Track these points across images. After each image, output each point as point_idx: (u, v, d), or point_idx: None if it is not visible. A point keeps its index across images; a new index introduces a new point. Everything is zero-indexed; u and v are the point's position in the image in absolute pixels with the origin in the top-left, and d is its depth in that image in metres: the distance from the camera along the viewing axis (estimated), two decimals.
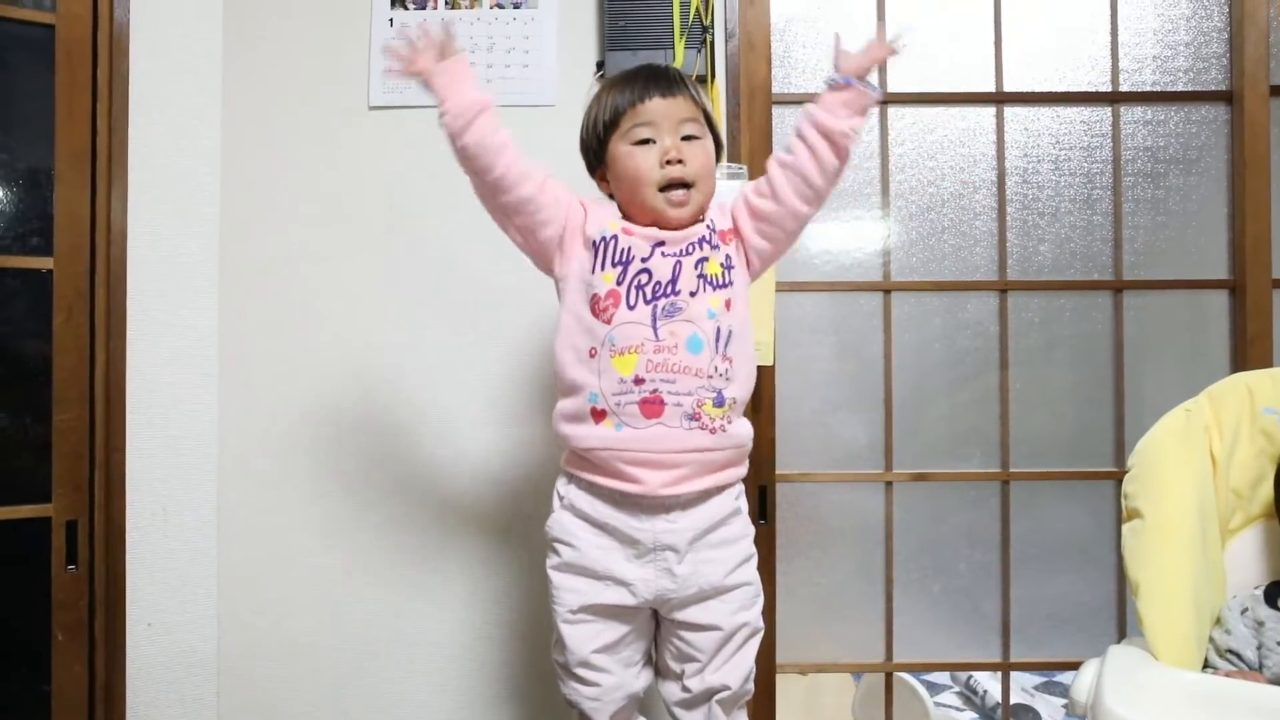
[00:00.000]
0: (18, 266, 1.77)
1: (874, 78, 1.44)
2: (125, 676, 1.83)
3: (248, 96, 1.98)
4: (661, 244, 1.41)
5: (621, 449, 1.37)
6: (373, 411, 1.98)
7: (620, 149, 1.43)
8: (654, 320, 1.37)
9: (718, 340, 1.38)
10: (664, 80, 1.43)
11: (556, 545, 1.45)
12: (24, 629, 1.78)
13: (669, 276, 1.39)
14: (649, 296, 1.38)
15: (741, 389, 1.42)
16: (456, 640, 1.98)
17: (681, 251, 1.41)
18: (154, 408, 1.86)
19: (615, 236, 1.41)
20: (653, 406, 1.36)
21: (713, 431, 1.38)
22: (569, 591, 1.43)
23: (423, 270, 1.99)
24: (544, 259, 1.47)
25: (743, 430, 1.44)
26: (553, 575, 1.45)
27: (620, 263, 1.40)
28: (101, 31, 1.81)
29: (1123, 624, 2.05)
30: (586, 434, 1.39)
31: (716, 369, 1.38)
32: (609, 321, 1.38)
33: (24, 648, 1.78)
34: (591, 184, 1.54)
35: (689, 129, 1.42)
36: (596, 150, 1.48)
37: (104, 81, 1.82)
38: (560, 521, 1.46)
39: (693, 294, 1.39)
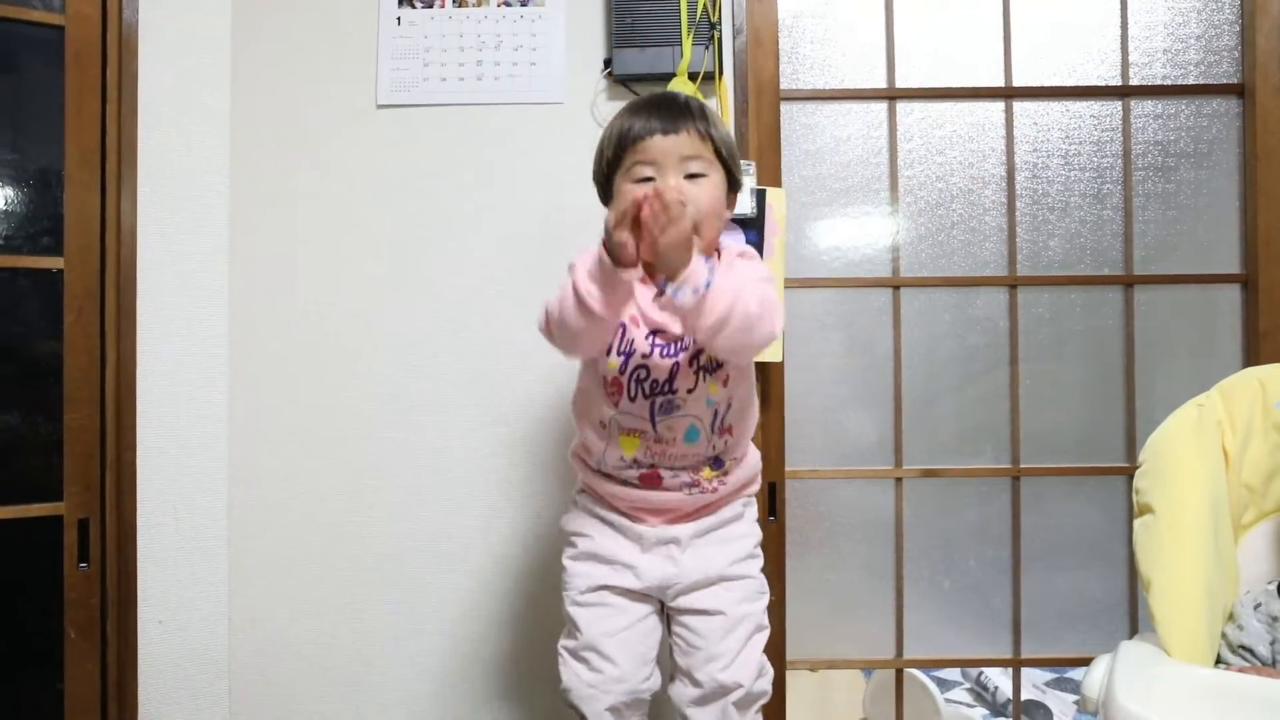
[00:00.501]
0: (29, 266, 1.78)
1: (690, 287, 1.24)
2: (137, 674, 1.83)
3: (256, 96, 1.99)
4: (659, 331, 1.39)
5: (623, 499, 1.47)
6: (383, 409, 1.99)
7: (624, 186, 1.40)
8: (652, 415, 1.40)
9: (714, 420, 1.42)
10: (669, 114, 1.39)
11: (573, 538, 1.52)
12: (36, 627, 1.78)
13: (665, 375, 1.39)
14: (647, 391, 1.40)
15: (742, 446, 1.49)
16: (466, 639, 1.98)
17: (679, 345, 1.39)
18: (164, 407, 1.86)
19: (624, 325, 1.40)
20: (652, 479, 1.44)
21: (713, 491, 1.45)
22: (580, 576, 1.49)
23: (432, 269, 1.99)
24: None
25: (746, 472, 1.51)
26: (568, 564, 1.51)
27: (624, 353, 1.41)
28: (110, 32, 1.81)
29: (1134, 620, 2.04)
30: (594, 481, 1.50)
31: (713, 446, 1.44)
32: (615, 405, 1.42)
33: (36, 646, 1.78)
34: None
35: (694, 167, 1.38)
36: (603, 185, 1.47)
37: (113, 82, 1.82)
38: (574, 518, 1.54)
39: (690, 390, 1.40)
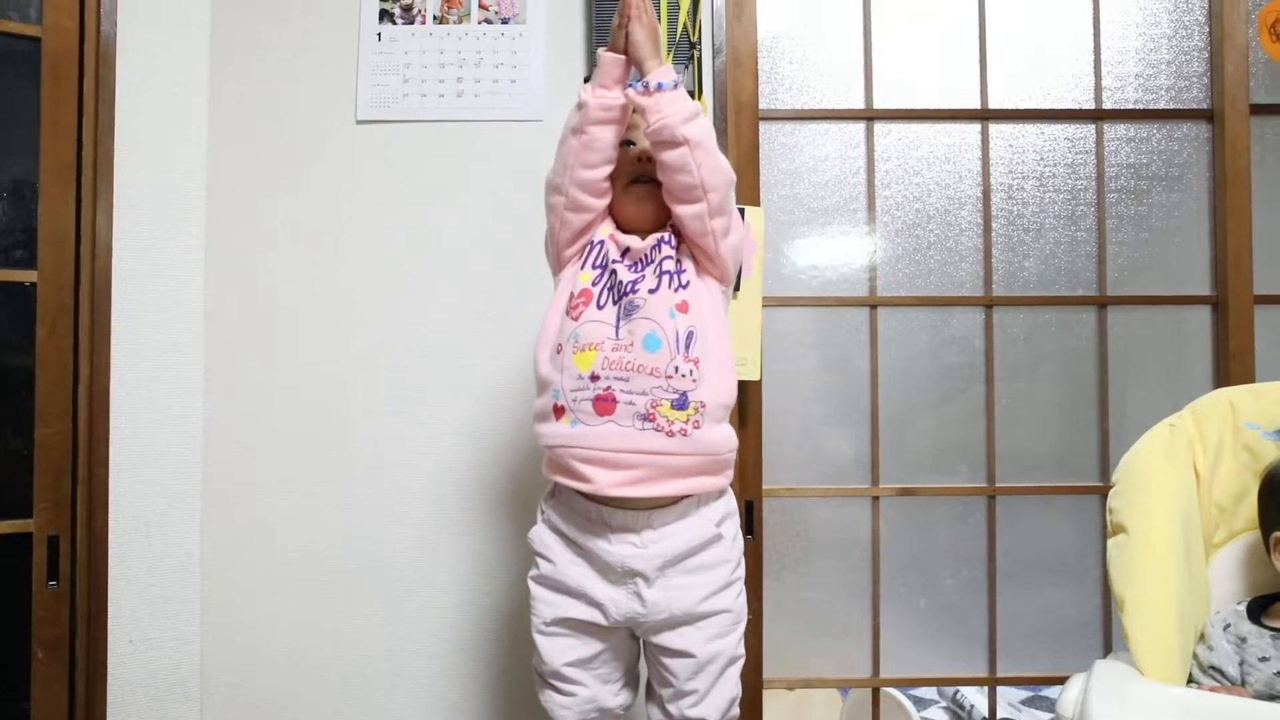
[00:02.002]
0: (2, 279, 1.75)
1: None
2: (106, 695, 1.80)
3: (234, 110, 1.98)
4: (628, 250, 1.45)
5: (574, 445, 1.38)
6: (360, 425, 1.97)
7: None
8: (617, 320, 1.40)
9: (678, 340, 1.38)
10: None
11: (536, 558, 1.48)
12: (3, 647, 1.75)
13: (631, 279, 1.42)
14: (616, 297, 1.42)
15: (712, 393, 1.39)
16: (443, 655, 1.97)
17: (645, 258, 1.45)
18: (138, 422, 1.84)
19: (602, 241, 1.47)
20: (605, 404, 1.36)
21: (670, 435, 1.36)
22: (544, 604, 1.45)
23: (411, 284, 1.99)
24: (557, 248, 1.49)
25: (714, 437, 1.40)
26: (531, 585, 1.47)
27: (599, 265, 1.45)
28: (88, 44, 1.80)
29: (1108, 638, 2.06)
30: (549, 431, 1.42)
31: (677, 369, 1.37)
32: (577, 319, 1.41)
33: (2, 666, 1.75)
34: None
35: None
36: None
37: (90, 94, 1.81)
38: (540, 535, 1.48)
39: (652, 291, 1.41)
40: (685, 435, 1.36)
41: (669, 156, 1.38)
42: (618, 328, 1.39)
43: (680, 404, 1.37)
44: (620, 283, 1.42)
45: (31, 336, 1.76)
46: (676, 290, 1.42)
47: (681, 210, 1.41)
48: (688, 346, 1.38)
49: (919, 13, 2.12)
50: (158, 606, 1.86)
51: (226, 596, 1.94)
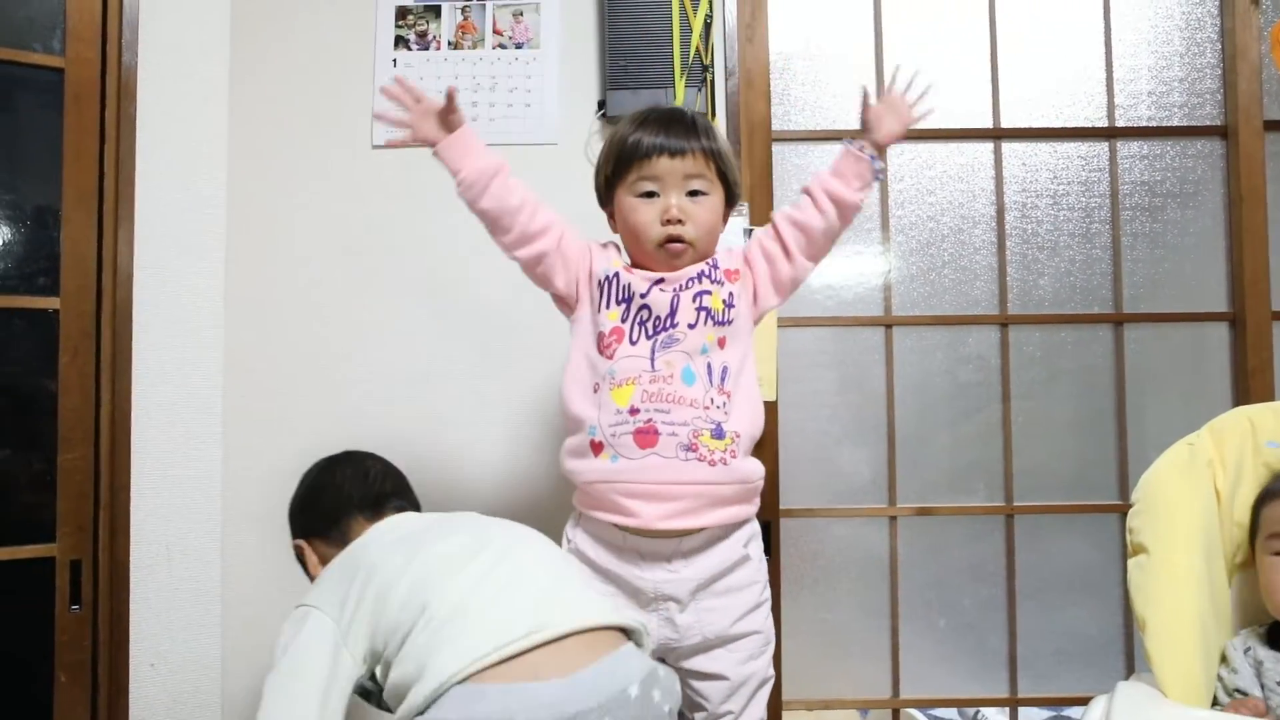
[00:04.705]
0: (25, 306, 1.78)
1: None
2: (128, 718, 1.81)
3: (252, 138, 2.01)
4: (660, 281, 1.43)
5: (617, 480, 1.37)
6: (378, 449, 1.98)
7: (625, 199, 1.44)
8: (653, 352, 1.39)
9: (711, 374, 1.39)
10: (677, 134, 1.42)
11: None
12: (27, 670, 1.76)
13: (667, 310, 1.40)
14: (650, 331, 1.40)
15: (744, 424, 1.40)
16: None
17: (680, 286, 1.42)
18: (159, 447, 1.86)
19: (617, 274, 1.44)
20: (647, 436, 1.36)
21: (713, 464, 1.36)
22: None
23: (427, 307, 2.00)
24: (560, 302, 1.51)
25: (749, 467, 1.42)
26: None
27: (623, 300, 1.42)
28: (110, 75, 1.83)
29: (1131, 658, 2.04)
30: (586, 467, 1.40)
31: (713, 400, 1.38)
32: (611, 357, 1.40)
33: (27, 689, 1.76)
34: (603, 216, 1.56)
35: (695, 185, 1.43)
36: (604, 192, 1.51)
37: (111, 124, 1.83)
38: None
39: (691, 326, 1.40)
40: (726, 465, 1.37)
41: (838, 226, 1.46)
42: (653, 360, 1.38)
43: (718, 434, 1.37)
44: (656, 316, 1.41)
45: (54, 363, 1.78)
46: (718, 325, 1.41)
47: (798, 261, 1.47)
48: (722, 380, 1.39)
49: (930, 32, 2.13)
50: (178, 630, 1.86)
51: (246, 620, 1.94)
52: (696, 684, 1.42)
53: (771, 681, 1.47)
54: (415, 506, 1.53)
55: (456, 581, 1.23)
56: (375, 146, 2.02)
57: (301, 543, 1.51)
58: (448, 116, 1.45)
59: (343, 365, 1.99)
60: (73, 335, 1.79)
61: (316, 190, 2.01)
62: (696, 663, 1.41)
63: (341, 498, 1.48)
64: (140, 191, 1.86)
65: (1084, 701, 1.38)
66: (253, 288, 1.98)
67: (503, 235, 1.46)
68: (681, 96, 1.95)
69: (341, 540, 1.42)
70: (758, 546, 1.47)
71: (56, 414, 1.78)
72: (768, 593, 1.47)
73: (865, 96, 1.51)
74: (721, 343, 1.40)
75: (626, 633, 1.26)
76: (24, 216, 1.81)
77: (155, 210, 1.87)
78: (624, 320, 1.41)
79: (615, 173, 1.46)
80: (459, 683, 1.12)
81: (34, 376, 1.81)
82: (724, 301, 1.42)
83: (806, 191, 1.48)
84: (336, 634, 1.27)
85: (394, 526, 1.41)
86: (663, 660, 1.45)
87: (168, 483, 1.86)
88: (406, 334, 2.00)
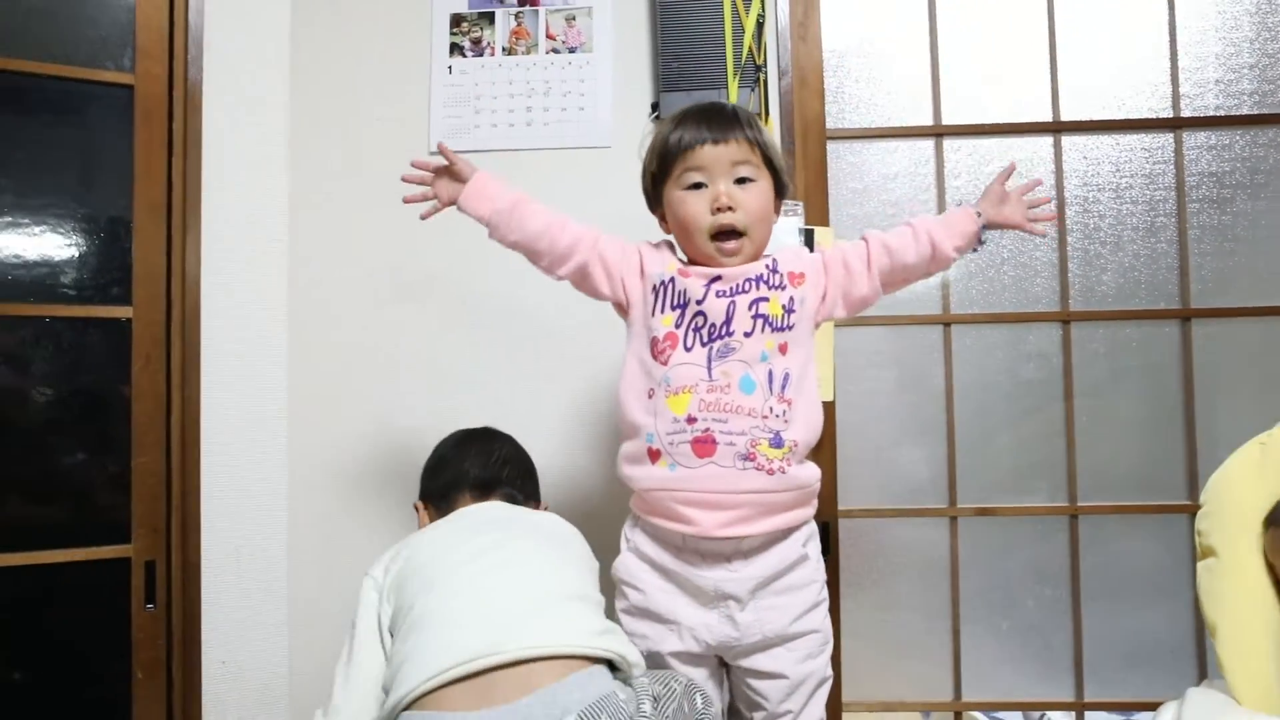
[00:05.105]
0: (100, 316, 1.84)
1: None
2: (202, 714, 1.87)
3: (312, 147, 2.05)
4: (717, 279, 1.41)
5: (675, 489, 1.37)
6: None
7: (674, 194, 1.45)
8: (709, 361, 1.38)
9: (771, 382, 1.37)
10: (717, 124, 1.43)
11: (624, 588, 1.47)
12: (106, 667, 1.83)
13: (723, 318, 1.39)
14: (705, 338, 1.39)
15: (803, 432, 1.39)
16: None
17: (736, 289, 1.41)
18: (227, 451, 1.91)
19: (673, 279, 1.43)
20: (705, 445, 1.36)
21: (770, 473, 1.36)
22: (637, 637, 1.42)
23: (488, 313, 2.03)
24: (616, 309, 1.52)
25: (806, 473, 1.41)
26: (621, 618, 1.46)
27: (678, 305, 1.42)
28: (177, 90, 1.88)
29: (1203, 663, 1.99)
30: (644, 475, 1.40)
31: (772, 409, 1.37)
32: (666, 363, 1.39)
33: (106, 685, 1.83)
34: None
35: (743, 171, 1.42)
36: (652, 191, 1.51)
37: (179, 137, 1.89)
38: (626, 564, 1.47)
39: (747, 334, 1.39)
40: (784, 473, 1.37)
41: (921, 269, 1.50)
42: (710, 369, 1.38)
43: (776, 443, 1.36)
44: (711, 324, 1.40)
45: (128, 369, 1.84)
46: (777, 331, 1.40)
47: (877, 286, 1.50)
48: (783, 388, 1.38)
49: (986, 25, 2.10)
50: (248, 629, 1.92)
51: (313, 619, 1.98)
52: (755, 683, 1.42)
53: (829, 682, 1.46)
54: (531, 498, 1.64)
55: (446, 585, 1.29)
56: (433, 153, 2.04)
57: (419, 504, 1.65)
58: (453, 170, 1.52)
59: (403, 369, 2.02)
60: (145, 343, 1.85)
61: (376, 198, 2.05)
62: (756, 661, 1.41)
63: (459, 473, 1.60)
64: (206, 202, 1.91)
65: (1153, 707, 1.36)
66: (315, 294, 2.03)
67: (539, 261, 1.50)
68: (735, 97, 1.94)
69: (447, 511, 1.53)
70: (816, 546, 1.47)
71: (130, 419, 1.84)
72: (825, 592, 1.47)
73: (1007, 174, 1.55)
74: (783, 348, 1.39)
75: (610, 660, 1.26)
76: (98, 229, 1.87)
77: (220, 220, 1.92)
78: (678, 326, 1.41)
79: (661, 171, 1.46)
80: (405, 708, 1.18)
81: (109, 383, 1.87)
82: (784, 307, 1.41)
83: (909, 225, 1.48)
84: (378, 600, 1.37)
85: (472, 513, 1.49)
86: (721, 662, 1.46)
87: (235, 485, 1.91)
88: (466, 337, 2.03)
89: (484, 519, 1.47)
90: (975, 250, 1.53)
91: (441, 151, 1.51)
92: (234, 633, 1.91)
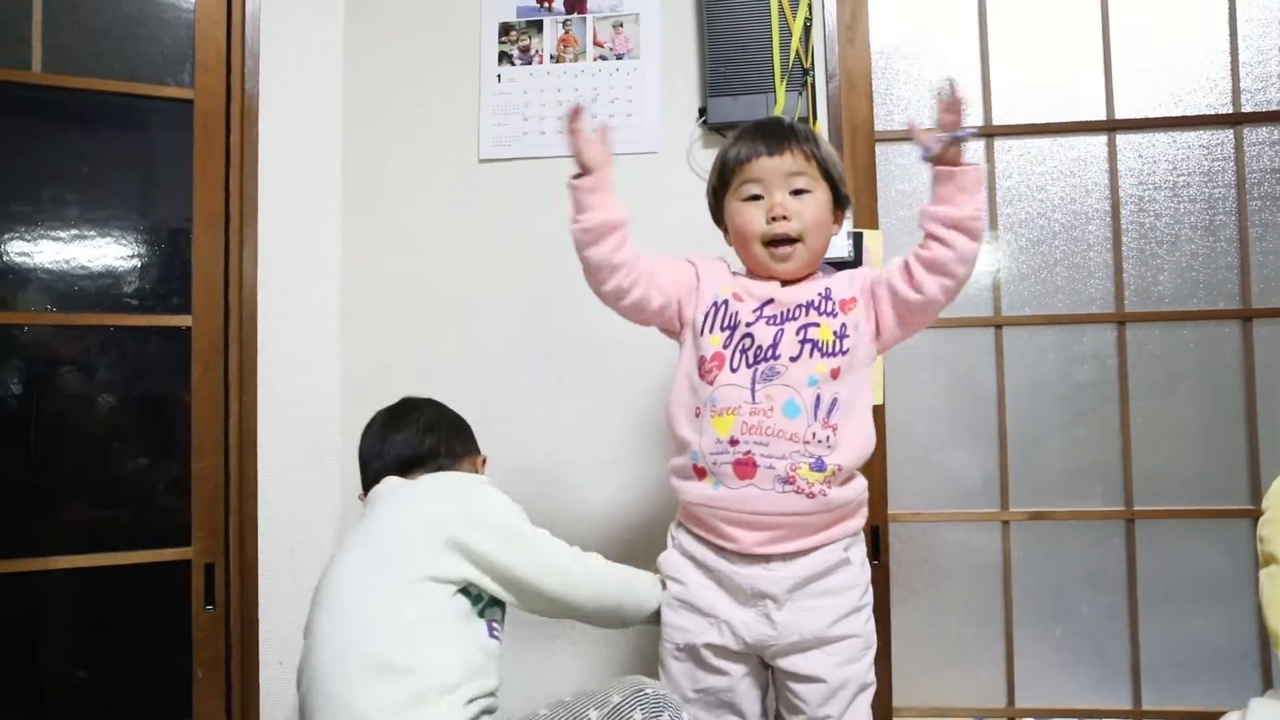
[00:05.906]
0: (161, 324, 1.89)
1: (967, 123, 1.36)
2: (259, 713, 1.91)
3: (365, 157, 2.09)
4: (769, 302, 1.43)
5: (718, 506, 1.41)
6: (492, 457, 2.03)
7: (732, 205, 1.48)
8: (753, 383, 1.40)
9: (818, 407, 1.38)
10: (773, 137, 1.45)
11: (667, 580, 1.50)
12: (170, 666, 1.87)
13: (770, 341, 1.41)
14: (751, 360, 1.41)
15: (848, 456, 1.40)
16: (577, 681, 1.99)
17: (785, 315, 1.42)
18: (283, 455, 1.95)
19: (726, 301, 1.45)
20: (745, 468, 1.38)
21: (810, 496, 1.37)
22: (676, 629, 1.46)
23: (538, 318, 2.04)
24: (665, 333, 1.54)
25: (848, 494, 1.42)
26: (663, 610, 1.49)
27: (728, 326, 1.44)
28: (234, 104, 1.93)
29: (1267, 670, 1.94)
30: (689, 489, 1.44)
31: (815, 435, 1.38)
32: (712, 383, 1.42)
33: (169, 684, 1.88)
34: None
35: (799, 183, 1.43)
36: (714, 205, 1.54)
37: (236, 149, 1.93)
38: (669, 559, 1.51)
39: (793, 359, 1.40)
40: (824, 495, 1.38)
41: (967, 250, 1.37)
42: (754, 391, 1.39)
43: (818, 466, 1.38)
44: (758, 346, 1.41)
45: (187, 377, 1.89)
46: (828, 356, 1.40)
47: (932, 298, 1.39)
48: (829, 413, 1.38)
49: (1037, 23, 2.07)
50: (302, 630, 1.95)
51: None
52: (794, 686, 1.43)
53: (873, 688, 1.45)
54: (465, 456, 1.64)
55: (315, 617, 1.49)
56: (482, 160, 2.07)
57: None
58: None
59: (455, 374, 2.04)
60: (204, 350, 1.90)
61: (426, 204, 2.08)
62: (794, 663, 1.42)
63: (375, 461, 1.62)
64: (262, 212, 1.95)
65: (1214, 716, 1.33)
66: (368, 302, 2.06)
67: (598, 286, 1.48)
68: (782, 100, 1.94)
69: None
70: (859, 551, 1.48)
71: (190, 425, 1.88)
72: (869, 597, 1.47)
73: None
74: (835, 374, 1.39)
75: None
76: (159, 239, 1.93)
77: (276, 230, 1.96)
78: (726, 346, 1.43)
79: (721, 184, 1.50)
80: None
81: (169, 390, 1.92)
82: (835, 333, 1.41)
83: (924, 228, 1.40)
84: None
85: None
86: (762, 663, 1.46)
87: (291, 488, 1.95)
88: (515, 345, 2.05)
89: (362, 514, 1.54)
90: (976, 169, 1.38)
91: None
92: (290, 634, 1.93)
